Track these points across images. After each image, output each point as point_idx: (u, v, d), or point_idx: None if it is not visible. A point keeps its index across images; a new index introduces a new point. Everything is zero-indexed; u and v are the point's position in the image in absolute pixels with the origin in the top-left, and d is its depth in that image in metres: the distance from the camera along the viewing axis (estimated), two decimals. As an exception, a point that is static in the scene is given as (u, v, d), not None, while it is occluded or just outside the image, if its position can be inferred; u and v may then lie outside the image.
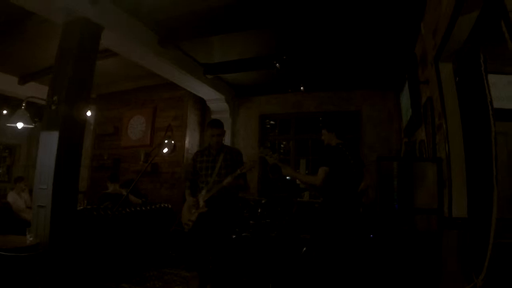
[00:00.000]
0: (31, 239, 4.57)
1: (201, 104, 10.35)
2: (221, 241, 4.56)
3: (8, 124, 6.13)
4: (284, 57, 7.29)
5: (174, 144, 9.37)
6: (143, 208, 7.02)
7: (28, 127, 6.69)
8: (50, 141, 5.04)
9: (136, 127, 10.30)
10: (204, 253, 4.56)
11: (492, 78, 3.35)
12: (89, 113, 8.86)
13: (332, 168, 4.57)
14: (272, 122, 10.52)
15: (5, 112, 10.47)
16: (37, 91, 8.36)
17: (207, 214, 4.53)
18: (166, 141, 6.14)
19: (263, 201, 6.59)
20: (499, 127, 3.03)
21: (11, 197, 8.22)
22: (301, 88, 8.68)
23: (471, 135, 3.65)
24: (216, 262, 4.55)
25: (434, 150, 4.62)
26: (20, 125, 6.07)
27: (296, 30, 6.51)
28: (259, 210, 6.34)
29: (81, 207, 6.59)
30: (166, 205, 7.54)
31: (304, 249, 5.05)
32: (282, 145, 10.67)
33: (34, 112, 6.10)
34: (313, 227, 5.53)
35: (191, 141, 9.81)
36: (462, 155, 3.73)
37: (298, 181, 5.63)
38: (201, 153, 4.93)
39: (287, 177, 6.13)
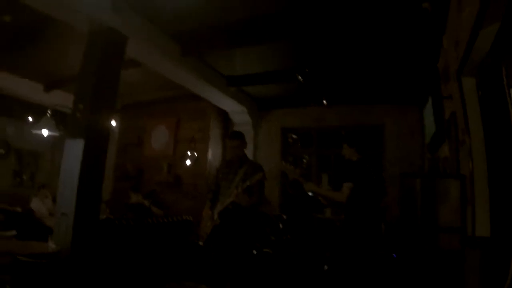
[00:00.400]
0: (53, 246, 4.60)
1: (224, 116, 10.36)
2: (236, 257, 4.50)
3: (34, 131, 6.22)
4: (306, 70, 7.26)
5: (197, 156, 9.42)
6: (165, 220, 7.02)
7: (52, 135, 6.77)
8: (74, 149, 5.08)
9: (159, 138, 10.37)
10: (219, 268, 4.51)
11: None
12: (113, 123, 8.96)
13: (356, 184, 4.49)
14: (294, 136, 10.47)
15: (30, 119, 10.65)
16: (62, 99, 8.50)
17: (220, 227, 4.48)
18: (189, 153, 6.18)
19: (284, 217, 6.54)
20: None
21: (35, 203, 8.33)
22: (324, 101, 8.61)
23: (495, 151, 3.56)
24: (232, 278, 4.49)
25: (458, 166, 4.52)
26: (45, 132, 6.17)
27: (318, 43, 6.50)
28: (280, 226, 6.29)
29: (104, 216, 6.63)
30: (187, 217, 7.53)
31: (326, 267, 4.97)
32: (304, 160, 10.59)
33: (59, 119, 6.17)
34: (335, 245, 5.45)
35: (213, 154, 9.80)
36: (485, 172, 3.63)
37: (320, 198, 5.52)
38: (226, 165, 4.96)
39: (309, 193, 6.06)
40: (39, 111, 9.49)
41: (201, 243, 4.54)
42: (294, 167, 5.13)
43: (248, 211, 4.60)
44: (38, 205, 8.30)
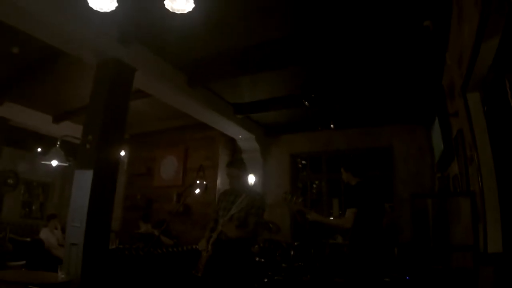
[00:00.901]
0: (63, 276, 4.55)
1: (232, 144, 10.38)
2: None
3: (43, 162, 6.26)
4: (313, 95, 7.28)
5: (206, 184, 9.40)
6: (175, 250, 6.98)
7: (61, 165, 6.80)
8: (84, 179, 5.12)
9: (168, 167, 10.41)
10: None
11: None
12: (122, 153, 9.01)
13: (358, 208, 4.49)
14: (303, 162, 10.47)
15: (39, 150, 10.74)
16: (71, 130, 8.60)
17: (213, 259, 4.35)
18: (198, 182, 6.18)
19: (295, 244, 6.48)
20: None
21: (44, 234, 8.33)
22: (331, 125, 8.61)
23: (503, 165, 3.52)
24: None
25: (468, 183, 4.46)
26: (54, 163, 6.21)
27: (324, 67, 6.55)
28: (291, 253, 6.23)
29: (113, 246, 6.62)
30: (197, 247, 7.48)
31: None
32: (314, 185, 10.55)
33: (68, 150, 6.21)
34: (346, 270, 5.40)
35: (222, 181, 9.76)
36: (495, 188, 3.57)
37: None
38: (225, 193, 4.79)
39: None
40: (48, 142, 9.59)
41: (199, 274, 4.41)
42: (296, 197, 5.12)
43: (238, 243, 4.38)
44: (48, 235, 8.31)
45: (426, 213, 6.35)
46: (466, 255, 4.50)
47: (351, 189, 4.83)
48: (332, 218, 5.98)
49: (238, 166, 4.78)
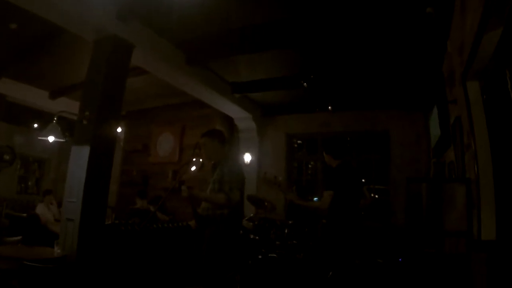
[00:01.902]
0: (58, 251, 4.62)
1: (229, 123, 10.39)
2: (208, 265, 4.27)
3: (40, 138, 6.24)
4: (312, 76, 7.28)
5: (202, 162, 9.41)
6: (170, 225, 7.03)
7: (58, 141, 6.78)
8: (81, 155, 5.14)
9: (165, 144, 10.44)
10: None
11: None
12: (119, 130, 8.98)
13: (336, 190, 4.60)
14: (299, 141, 10.50)
15: (36, 125, 10.72)
16: (67, 106, 8.57)
17: (198, 235, 4.39)
18: (194, 159, 6.18)
19: (290, 222, 6.53)
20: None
21: (40, 209, 8.35)
22: (329, 107, 8.61)
23: (500, 155, 3.56)
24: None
25: (463, 170, 4.52)
26: (51, 138, 6.18)
27: (322, 49, 6.52)
28: (286, 231, 6.28)
29: (109, 222, 6.65)
30: (192, 223, 7.53)
31: (331, 272, 4.98)
32: (309, 165, 10.60)
33: (65, 126, 6.20)
34: (321, 248, 5.52)
35: (219, 159, 9.80)
36: (490, 176, 3.62)
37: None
38: (212, 167, 4.60)
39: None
40: (44, 118, 9.58)
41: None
42: (274, 177, 5.16)
43: (210, 219, 4.30)
44: (44, 210, 8.32)
45: (420, 198, 6.40)
46: (459, 241, 4.57)
47: (331, 172, 4.95)
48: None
49: (207, 134, 4.61)
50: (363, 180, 5.24)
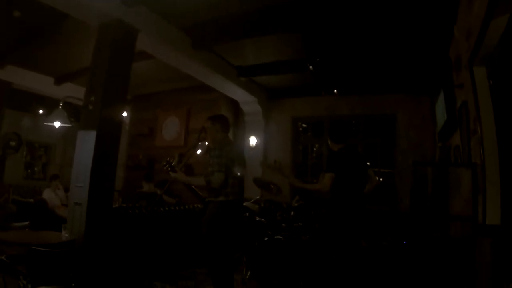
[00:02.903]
0: (66, 235, 4.65)
1: (234, 106, 10.41)
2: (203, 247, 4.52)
3: (46, 123, 6.28)
4: (318, 60, 7.25)
5: (208, 146, 9.44)
6: (177, 208, 7.10)
7: (63, 127, 6.81)
8: (87, 140, 5.17)
9: (170, 128, 10.49)
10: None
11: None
12: (125, 114, 9.00)
13: (336, 173, 4.64)
14: (304, 125, 10.50)
15: (41, 111, 10.76)
16: (73, 91, 8.59)
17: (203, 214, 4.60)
18: (200, 143, 6.21)
19: (295, 205, 6.56)
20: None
21: (47, 194, 8.40)
22: (335, 91, 8.59)
23: (506, 140, 3.57)
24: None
25: (469, 155, 4.52)
26: (57, 124, 6.21)
27: (329, 33, 6.49)
28: (291, 214, 6.31)
29: (117, 205, 6.71)
30: (199, 205, 7.59)
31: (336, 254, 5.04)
32: (314, 149, 10.62)
33: (70, 112, 6.22)
34: (322, 228, 5.59)
35: (224, 143, 9.82)
36: (496, 161, 3.65)
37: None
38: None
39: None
40: (50, 104, 9.60)
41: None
42: (273, 162, 5.23)
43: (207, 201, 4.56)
44: (51, 195, 8.38)
45: (426, 182, 6.42)
46: (465, 225, 4.60)
47: (332, 155, 5.02)
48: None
49: (212, 119, 4.80)
50: (368, 163, 5.25)
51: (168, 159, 4.65)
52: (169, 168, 4.62)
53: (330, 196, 4.81)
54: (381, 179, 8.86)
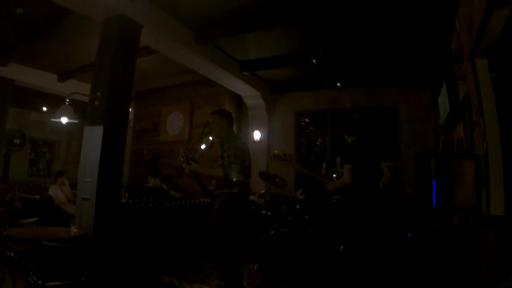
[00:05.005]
0: (75, 230, 4.70)
1: (238, 100, 10.48)
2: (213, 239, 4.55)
3: (53, 119, 6.31)
4: (321, 53, 7.27)
5: (212, 140, 9.47)
6: (183, 203, 7.17)
7: (67, 124, 6.83)
8: (94, 135, 5.22)
9: (174, 123, 10.55)
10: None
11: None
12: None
13: (353, 164, 4.71)
14: (307, 119, 10.53)
15: (44, 109, 10.81)
16: (76, 87, 8.60)
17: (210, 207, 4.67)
18: (204, 137, 6.25)
19: (300, 197, 6.60)
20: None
21: (53, 190, 8.42)
22: (338, 84, 8.62)
23: (508, 131, 3.61)
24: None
25: (472, 147, 4.55)
26: (64, 120, 6.22)
27: (331, 26, 6.51)
28: (297, 207, 6.35)
29: (124, 201, 6.76)
30: (204, 200, 7.65)
31: (342, 247, 5.07)
32: (318, 142, 10.65)
33: (75, 108, 6.24)
34: (335, 222, 5.63)
35: (228, 137, 9.86)
36: (499, 152, 3.68)
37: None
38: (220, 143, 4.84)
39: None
40: (53, 101, 9.68)
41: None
42: (283, 154, 5.27)
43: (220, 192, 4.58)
44: (56, 192, 8.40)
45: (429, 174, 6.45)
46: (468, 216, 4.64)
47: (346, 147, 5.08)
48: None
49: (217, 113, 4.90)
50: (380, 157, 5.26)
51: (184, 151, 4.70)
52: (185, 161, 4.68)
53: (343, 189, 4.87)
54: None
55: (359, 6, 5.59)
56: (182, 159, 4.68)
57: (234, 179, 4.38)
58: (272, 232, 5.64)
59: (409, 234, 5.77)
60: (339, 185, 5.09)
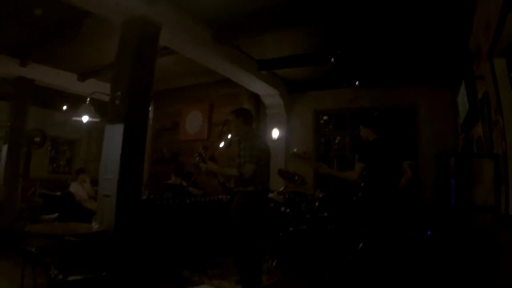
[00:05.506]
0: (97, 226, 4.82)
1: (256, 100, 10.51)
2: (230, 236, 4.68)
3: (74, 118, 6.44)
4: (339, 52, 7.27)
5: (230, 139, 9.54)
6: (203, 199, 7.25)
7: (86, 123, 6.96)
8: (115, 134, 5.32)
9: (194, 122, 10.68)
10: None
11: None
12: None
13: (369, 163, 4.72)
14: (325, 117, 10.54)
15: (64, 108, 10.99)
16: (97, 87, 8.69)
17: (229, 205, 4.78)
18: (223, 136, 6.32)
19: (320, 195, 6.63)
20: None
21: (74, 187, 8.55)
22: (356, 83, 8.60)
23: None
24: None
25: (491, 146, 4.53)
26: (85, 118, 6.34)
27: (351, 25, 6.51)
28: (316, 204, 6.37)
29: (144, 197, 6.86)
30: (223, 197, 7.72)
31: (361, 244, 5.09)
32: (336, 141, 10.65)
33: (94, 107, 6.37)
34: (354, 220, 5.65)
35: (247, 136, 9.91)
36: (518, 152, 3.67)
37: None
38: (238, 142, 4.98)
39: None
40: (73, 100, 9.82)
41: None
42: (303, 152, 5.30)
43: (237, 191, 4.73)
44: (77, 188, 8.54)
45: (448, 173, 6.42)
46: (487, 216, 4.62)
47: (367, 144, 5.04)
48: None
49: (236, 112, 5.04)
50: (403, 156, 5.25)
51: (200, 151, 4.78)
52: (200, 160, 4.75)
53: (363, 187, 4.92)
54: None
55: (378, 4, 5.59)
56: (197, 159, 4.77)
57: (249, 178, 4.47)
58: (291, 229, 5.68)
59: (428, 233, 5.76)
60: (342, 176, 5.16)
